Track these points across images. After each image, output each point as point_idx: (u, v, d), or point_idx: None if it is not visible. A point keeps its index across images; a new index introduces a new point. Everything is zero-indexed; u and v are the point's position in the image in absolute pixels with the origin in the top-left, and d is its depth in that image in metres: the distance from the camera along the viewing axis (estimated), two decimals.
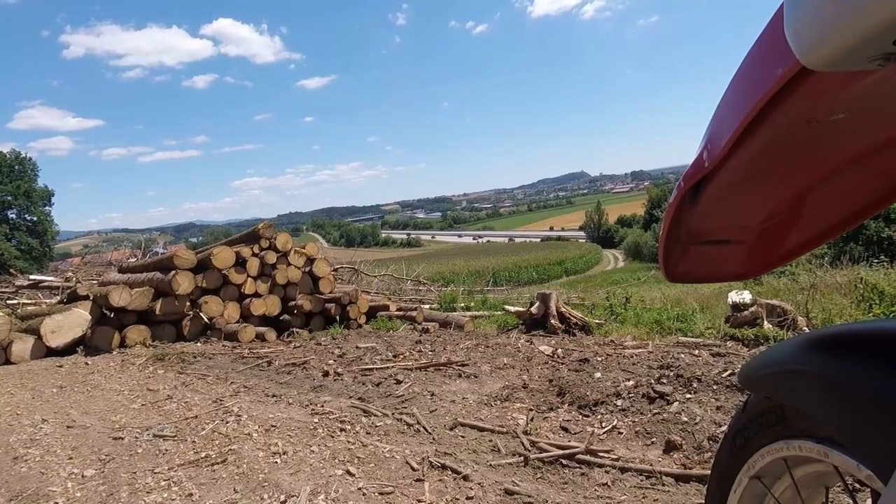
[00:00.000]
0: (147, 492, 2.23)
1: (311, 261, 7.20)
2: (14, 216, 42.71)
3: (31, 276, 11.89)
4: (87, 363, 5.19)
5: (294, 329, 6.49)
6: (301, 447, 2.56)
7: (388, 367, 4.24)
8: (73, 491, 2.35)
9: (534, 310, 5.92)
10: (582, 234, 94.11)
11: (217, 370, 4.57)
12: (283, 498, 2.00)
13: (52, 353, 5.64)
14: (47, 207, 45.77)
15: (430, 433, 2.59)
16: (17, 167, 44.35)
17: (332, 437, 2.67)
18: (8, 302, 9.72)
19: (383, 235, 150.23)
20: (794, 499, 0.86)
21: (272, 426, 2.94)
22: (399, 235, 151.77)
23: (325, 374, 4.28)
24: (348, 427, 2.79)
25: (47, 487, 2.40)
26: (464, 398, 3.20)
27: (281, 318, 6.80)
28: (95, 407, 3.71)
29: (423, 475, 2.11)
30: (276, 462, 2.39)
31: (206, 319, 6.17)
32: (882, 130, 0.56)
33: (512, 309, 6.65)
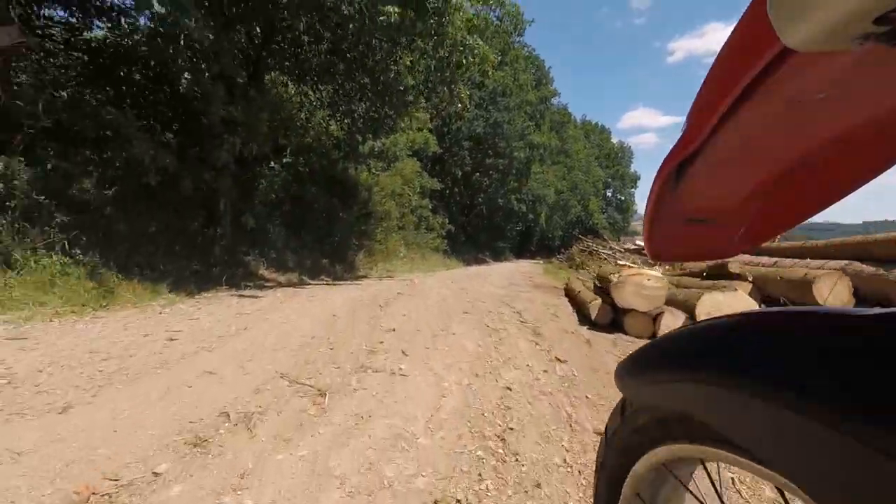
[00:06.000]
0: None
1: None
2: (609, 194, 53.01)
3: (637, 241, 12.24)
4: None
5: None
6: None
7: None
8: None
9: None
10: None
11: None
12: None
13: None
14: (632, 189, 54.05)
15: None
16: (619, 154, 54.30)
17: None
18: (618, 262, 10.03)
19: None
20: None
21: None
22: None
23: None
24: None
25: None
26: None
27: None
28: None
29: None
30: None
31: None
32: (862, 111, 0.54)
33: None
